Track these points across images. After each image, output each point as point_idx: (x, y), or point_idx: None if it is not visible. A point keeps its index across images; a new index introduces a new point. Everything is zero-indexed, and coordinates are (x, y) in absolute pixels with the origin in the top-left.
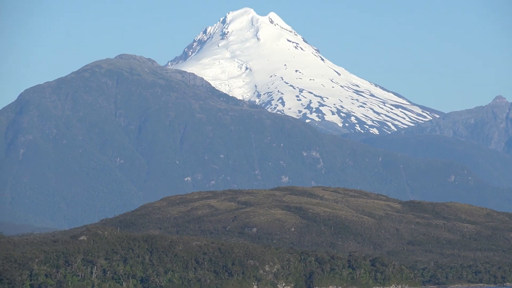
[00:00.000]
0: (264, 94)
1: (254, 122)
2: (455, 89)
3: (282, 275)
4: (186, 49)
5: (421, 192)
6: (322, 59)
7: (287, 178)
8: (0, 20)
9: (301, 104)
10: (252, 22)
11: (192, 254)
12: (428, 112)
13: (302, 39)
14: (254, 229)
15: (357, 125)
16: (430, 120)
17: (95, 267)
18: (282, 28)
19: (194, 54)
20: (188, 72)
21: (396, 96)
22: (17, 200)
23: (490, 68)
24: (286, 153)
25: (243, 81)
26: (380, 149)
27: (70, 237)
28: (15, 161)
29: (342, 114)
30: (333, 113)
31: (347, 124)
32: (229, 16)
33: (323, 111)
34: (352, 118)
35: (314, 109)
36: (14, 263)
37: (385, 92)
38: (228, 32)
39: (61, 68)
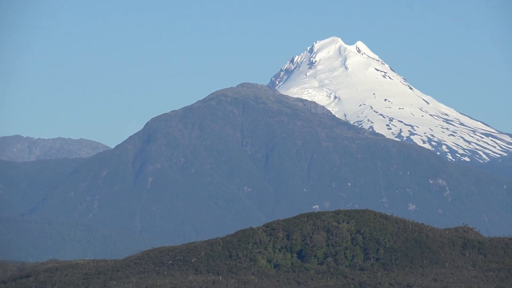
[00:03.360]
0: (354, 122)
1: (380, 150)
2: None
3: None
4: (273, 79)
5: None
6: (410, 88)
7: (414, 206)
8: (127, 52)
9: (392, 133)
10: (339, 51)
11: None
12: None
13: (389, 68)
14: None
15: (449, 154)
16: None
17: None
18: (370, 57)
19: (281, 83)
20: (310, 100)
21: (484, 125)
22: (147, 229)
23: None
24: (413, 181)
25: (332, 110)
26: (504, 176)
27: None
28: (144, 190)
29: (433, 143)
30: (424, 142)
31: (438, 153)
32: (317, 45)
33: (414, 140)
34: (443, 147)
35: (405, 138)
36: None
37: (473, 121)
38: (315, 61)
39: (186, 97)
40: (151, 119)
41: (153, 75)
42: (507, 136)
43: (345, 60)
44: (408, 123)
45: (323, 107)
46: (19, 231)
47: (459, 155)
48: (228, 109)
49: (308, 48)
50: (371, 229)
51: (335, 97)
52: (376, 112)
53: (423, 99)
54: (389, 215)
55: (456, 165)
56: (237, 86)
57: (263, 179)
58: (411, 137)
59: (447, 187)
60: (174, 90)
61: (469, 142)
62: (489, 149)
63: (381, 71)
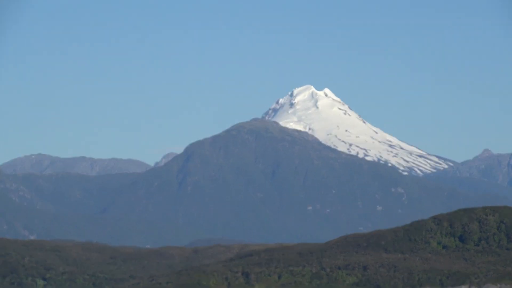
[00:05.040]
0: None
1: (355, 166)
2: (458, 141)
3: None
4: (263, 115)
5: None
6: (364, 122)
7: (380, 207)
8: (165, 84)
9: (351, 155)
10: (312, 95)
11: None
12: (442, 160)
13: (348, 107)
14: None
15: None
16: (451, 166)
17: None
18: (334, 99)
19: (270, 118)
20: (303, 131)
21: (417, 149)
22: (187, 224)
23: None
24: (379, 189)
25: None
26: (442, 185)
27: None
28: (185, 196)
29: (381, 162)
30: (375, 161)
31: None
32: (295, 91)
33: (367, 160)
34: (389, 165)
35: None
36: None
37: (409, 145)
38: (294, 102)
39: (213, 128)
40: (190, 144)
41: (187, 109)
42: (434, 157)
43: (316, 101)
44: (363, 148)
45: (312, 136)
46: (96, 226)
47: (400, 171)
48: (245, 137)
49: (289, 93)
50: (511, 220)
51: (310, 128)
52: (340, 139)
53: (373, 130)
54: None
55: (409, 177)
56: (250, 120)
57: (270, 187)
58: (366, 158)
59: (404, 193)
60: (202, 121)
61: (407, 161)
62: (422, 167)
63: (342, 110)
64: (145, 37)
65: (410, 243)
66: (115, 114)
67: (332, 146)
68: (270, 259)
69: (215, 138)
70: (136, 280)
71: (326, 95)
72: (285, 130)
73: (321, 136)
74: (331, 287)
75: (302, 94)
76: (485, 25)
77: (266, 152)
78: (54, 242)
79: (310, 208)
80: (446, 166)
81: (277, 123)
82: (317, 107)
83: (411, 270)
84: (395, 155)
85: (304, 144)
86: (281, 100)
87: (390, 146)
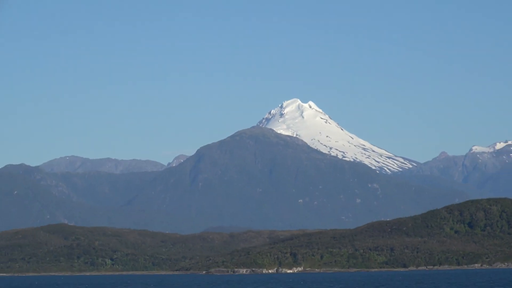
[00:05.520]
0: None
1: (338, 165)
2: (420, 144)
3: None
4: (258, 123)
5: None
6: (342, 129)
7: (359, 200)
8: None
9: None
10: (298, 107)
11: None
12: (407, 161)
13: (328, 117)
14: None
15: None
16: (415, 166)
17: None
18: (317, 110)
19: (264, 126)
20: (294, 136)
21: (386, 151)
22: (199, 214)
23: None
24: (358, 184)
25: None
26: (410, 182)
27: None
28: (196, 191)
29: (357, 162)
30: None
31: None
32: (285, 104)
33: (346, 160)
34: (365, 165)
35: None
36: None
37: (379, 149)
38: (284, 113)
39: (219, 134)
40: (200, 147)
41: (194, 118)
42: (401, 158)
43: (302, 112)
44: (341, 151)
45: (302, 140)
46: (122, 216)
47: (374, 170)
48: (246, 142)
49: (280, 105)
50: (511, 209)
51: (296, 135)
52: (322, 144)
53: (350, 136)
54: None
55: (382, 175)
56: (250, 128)
57: (268, 184)
58: (344, 159)
59: (378, 188)
60: (206, 128)
61: (378, 162)
62: (391, 166)
63: (323, 119)
64: (166, 58)
65: (427, 229)
66: (133, 121)
67: (316, 149)
68: (310, 242)
69: (221, 142)
70: (192, 261)
71: (310, 107)
72: (279, 136)
73: (306, 141)
74: (366, 266)
75: (290, 106)
76: (442, 37)
77: (264, 154)
78: (114, 229)
79: (300, 201)
80: (410, 166)
81: (272, 130)
82: (303, 117)
83: (431, 251)
84: (368, 157)
85: (295, 148)
86: (272, 111)
87: (364, 149)
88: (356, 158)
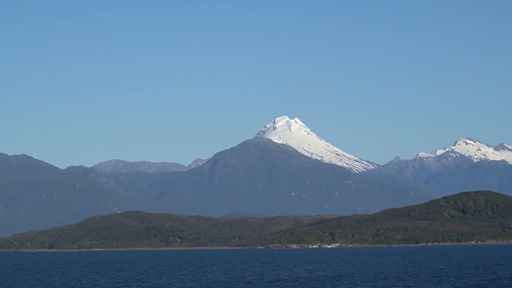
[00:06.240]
0: None
1: (321, 167)
2: (379, 150)
3: None
4: (256, 135)
5: None
6: (320, 139)
7: (337, 193)
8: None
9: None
10: (287, 122)
11: None
12: (370, 164)
13: (310, 130)
14: None
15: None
16: (376, 167)
17: None
18: (301, 125)
19: (261, 136)
20: (286, 144)
21: (354, 156)
22: (216, 204)
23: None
24: (336, 181)
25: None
26: (374, 179)
27: None
28: (213, 186)
29: (333, 164)
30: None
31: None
32: (277, 120)
33: (325, 163)
34: (340, 166)
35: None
36: None
37: (349, 154)
38: (276, 127)
39: (229, 142)
40: (216, 153)
41: (206, 129)
42: (365, 161)
43: (290, 126)
44: (320, 155)
45: (293, 147)
46: (157, 206)
47: (347, 170)
48: (251, 149)
49: (273, 121)
50: (495, 200)
51: (286, 143)
52: (305, 150)
53: (326, 144)
54: (503, 194)
55: (353, 174)
56: (253, 138)
57: (268, 181)
58: (323, 161)
59: (352, 184)
60: (219, 136)
61: (348, 164)
62: (358, 168)
63: (306, 131)
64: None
65: (430, 214)
66: (161, 132)
67: (303, 155)
68: (339, 224)
69: (232, 149)
70: (244, 239)
71: (296, 122)
72: (276, 144)
73: (294, 148)
74: (387, 242)
75: (281, 121)
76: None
77: (264, 159)
78: (175, 215)
79: (292, 193)
80: (373, 167)
81: (270, 140)
82: (290, 130)
83: (436, 231)
84: (340, 160)
85: (287, 153)
86: (267, 125)
87: (337, 154)
88: (331, 161)
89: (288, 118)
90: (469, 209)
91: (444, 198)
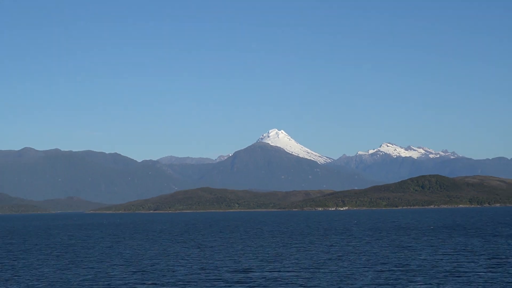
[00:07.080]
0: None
1: (303, 162)
2: (334, 148)
3: None
4: (258, 140)
5: None
6: (297, 143)
7: (311, 176)
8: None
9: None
10: (276, 133)
11: None
12: (329, 159)
13: (290, 137)
14: None
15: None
16: (333, 161)
17: None
18: (285, 134)
19: (262, 141)
20: (277, 146)
21: (318, 153)
22: (234, 189)
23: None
24: (310, 170)
25: None
26: (340, 172)
27: None
28: (232, 176)
29: (307, 159)
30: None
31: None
32: (270, 131)
33: (302, 158)
34: (310, 160)
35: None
36: None
37: (314, 152)
38: (269, 136)
39: (242, 143)
40: (235, 152)
41: (225, 133)
42: (325, 157)
43: (278, 135)
44: (297, 153)
45: (283, 149)
46: (198, 186)
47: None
48: (257, 150)
49: (268, 132)
50: (442, 180)
51: (276, 146)
52: (288, 150)
53: (301, 146)
54: (447, 176)
55: (320, 164)
56: (256, 142)
57: (267, 172)
58: (300, 157)
59: (319, 172)
60: (238, 137)
61: (315, 159)
62: (321, 161)
63: (288, 138)
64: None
65: (401, 189)
66: (194, 135)
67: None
68: (345, 195)
69: (246, 149)
70: (279, 205)
71: (282, 132)
72: (271, 146)
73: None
74: (377, 205)
75: (272, 133)
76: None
77: (265, 157)
78: (229, 190)
79: (283, 177)
80: (330, 161)
81: (268, 143)
82: (279, 137)
83: (409, 199)
84: (310, 156)
85: (279, 152)
86: (264, 134)
87: (307, 152)
88: (305, 157)
89: (277, 130)
90: (426, 186)
91: (410, 179)
